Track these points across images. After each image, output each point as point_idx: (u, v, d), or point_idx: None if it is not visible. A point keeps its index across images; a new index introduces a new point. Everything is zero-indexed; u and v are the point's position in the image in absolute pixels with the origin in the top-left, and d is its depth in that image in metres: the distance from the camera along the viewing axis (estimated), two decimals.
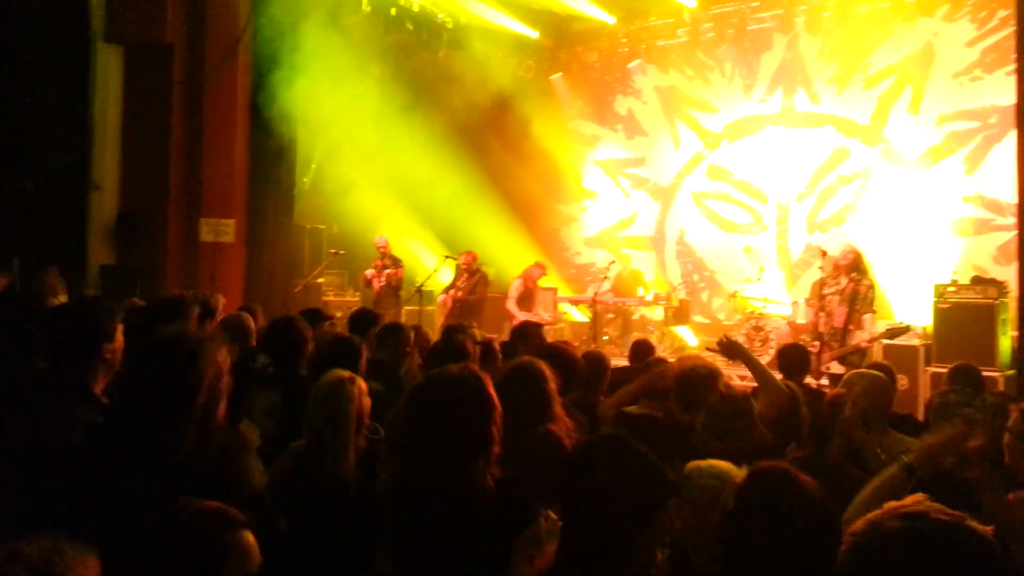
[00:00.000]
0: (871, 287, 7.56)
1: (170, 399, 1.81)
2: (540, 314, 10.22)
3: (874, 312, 7.63)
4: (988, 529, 1.30)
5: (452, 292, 10.07)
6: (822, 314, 7.55)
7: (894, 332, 7.67)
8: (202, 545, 1.55)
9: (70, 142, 9.01)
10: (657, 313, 11.45)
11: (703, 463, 2.32)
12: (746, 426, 3.35)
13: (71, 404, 2.32)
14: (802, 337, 8.44)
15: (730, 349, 4.21)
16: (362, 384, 2.88)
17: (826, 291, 7.63)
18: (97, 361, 2.46)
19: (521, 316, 9.95)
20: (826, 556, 1.53)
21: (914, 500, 1.34)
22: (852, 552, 1.32)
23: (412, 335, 4.93)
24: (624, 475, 1.76)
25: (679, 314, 11.30)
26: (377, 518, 2.26)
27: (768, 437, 3.26)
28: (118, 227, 8.98)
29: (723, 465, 2.30)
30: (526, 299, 10.29)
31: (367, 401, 2.87)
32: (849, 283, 7.48)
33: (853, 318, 7.39)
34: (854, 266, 7.52)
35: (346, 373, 2.89)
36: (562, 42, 13.71)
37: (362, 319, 5.24)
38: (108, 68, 9.15)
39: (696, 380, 3.61)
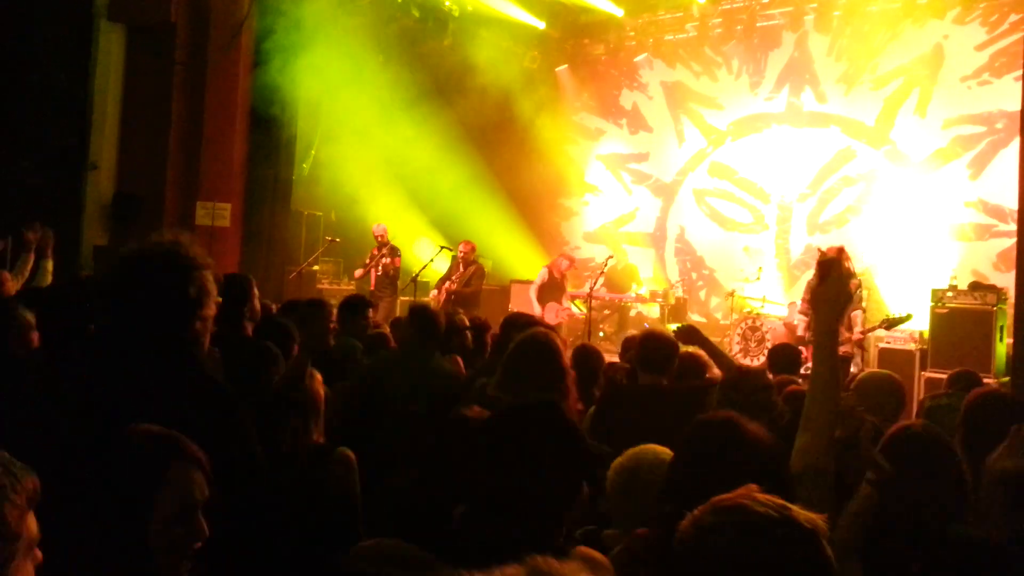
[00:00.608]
0: (859, 285, 7.47)
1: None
2: (566, 305, 10.17)
3: (863, 310, 7.57)
4: (814, 518, 1.23)
5: (447, 284, 10.03)
6: (803, 318, 7.51)
7: (892, 322, 7.61)
8: (139, 470, 1.56)
9: (69, 121, 8.97)
10: (654, 310, 11.40)
11: (644, 452, 2.29)
12: (767, 401, 3.39)
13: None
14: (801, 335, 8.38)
15: (686, 334, 4.33)
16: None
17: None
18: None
19: (537, 308, 9.92)
20: None
21: (739, 493, 1.26)
22: (677, 551, 1.25)
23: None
24: (550, 448, 1.72)
25: (676, 312, 11.26)
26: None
27: (787, 413, 3.25)
28: (114, 208, 8.96)
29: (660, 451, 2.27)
30: (551, 289, 10.22)
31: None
32: None
33: (843, 319, 7.29)
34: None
35: None
36: (569, 34, 13.62)
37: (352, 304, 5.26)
38: (110, 48, 9.10)
39: (656, 342, 4.10)
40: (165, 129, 9.24)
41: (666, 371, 4.06)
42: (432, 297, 10.02)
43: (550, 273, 10.26)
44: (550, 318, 9.55)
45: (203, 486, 1.60)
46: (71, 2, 8.90)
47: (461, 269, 10.05)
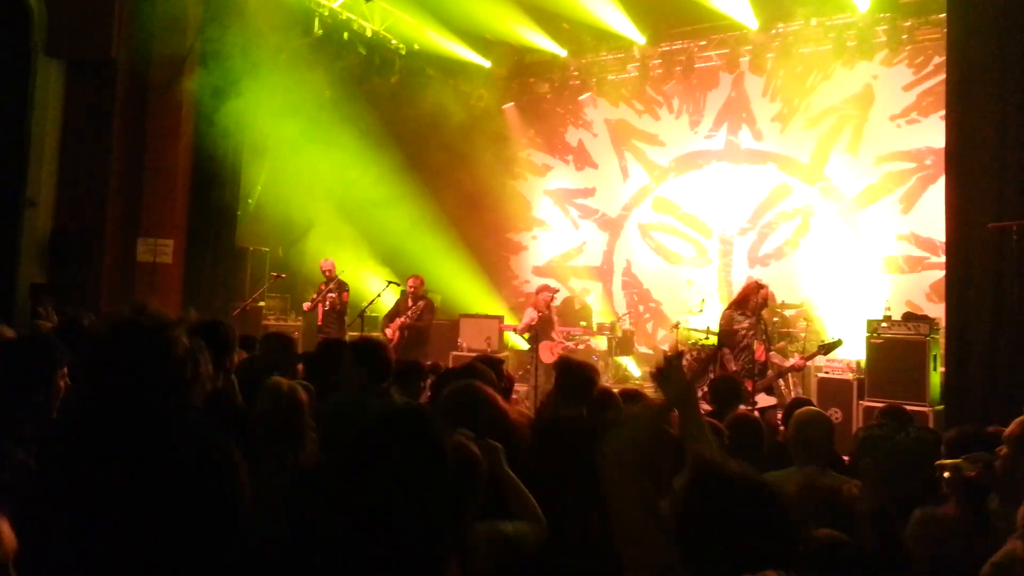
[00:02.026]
0: (774, 318, 7.75)
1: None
2: (557, 340, 9.84)
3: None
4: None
5: (401, 319, 9.96)
6: (729, 352, 7.49)
7: (827, 348, 7.81)
8: None
9: (6, 157, 8.77)
10: (602, 343, 11.51)
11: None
12: (756, 444, 3.43)
13: None
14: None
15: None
16: None
17: (736, 326, 7.58)
18: None
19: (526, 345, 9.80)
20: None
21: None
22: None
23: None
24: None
25: (623, 344, 11.39)
26: None
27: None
28: (51, 245, 8.74)
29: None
30: (542, 326, 9.69)
31: None
32: (754, 318, 7.56)
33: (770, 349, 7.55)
34: (765, 302, 7.70)
35: None
36: (514, 73, 13.85)
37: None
38: (48, 82, 8.94)
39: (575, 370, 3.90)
40: (105, 165, 9.08)
41: (585, 401, 3.89)
42: (384, 333, 9.91)
43: (538, 310, 9.77)
44: (546, 357, 9.34)
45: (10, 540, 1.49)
46: (8, 37, 8.74)
47: (411, 304, 10.01)
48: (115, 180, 9.12)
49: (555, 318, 10.10)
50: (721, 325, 7.73)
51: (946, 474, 2.78)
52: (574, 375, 3.94)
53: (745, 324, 7.50)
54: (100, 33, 9.11)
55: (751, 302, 7.61)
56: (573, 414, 3.75)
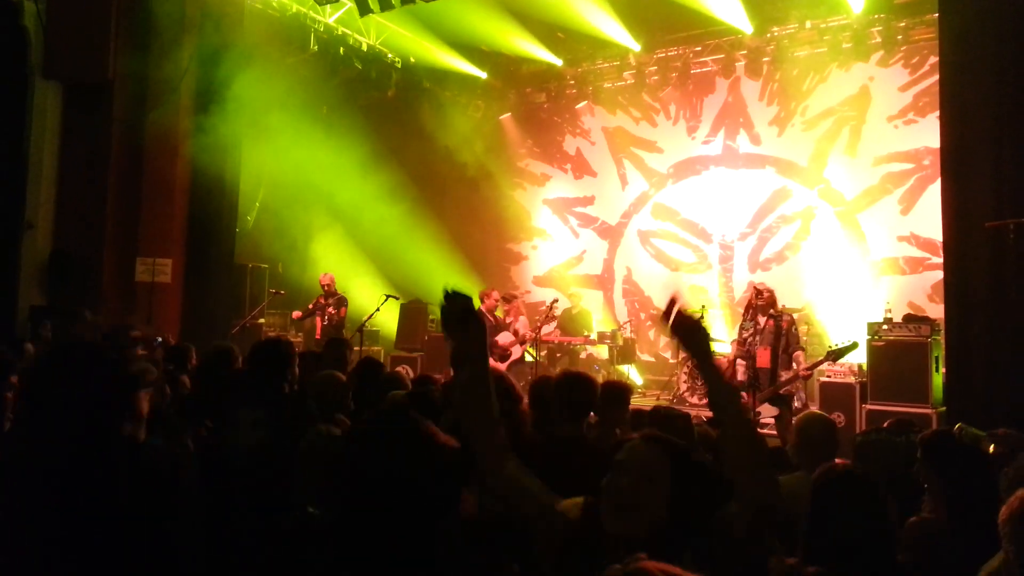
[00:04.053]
0: (793, 322, 7.44)
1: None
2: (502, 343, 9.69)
3: (803, 349, 7.43)
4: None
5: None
6: (742, 361, 7.22)
7: (837, 354, 7.25)
8: None
9: (4, 179, 8.82)
10: (603, 352, 11.48)
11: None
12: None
13: None
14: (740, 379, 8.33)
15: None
16: None
17: (744, 334, 7.34)
18: None
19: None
20: None
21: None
22: None
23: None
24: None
25: (625, 352, 11.34)
26: None
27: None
28: (50, 266, 8.77)
29: None
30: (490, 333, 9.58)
31: None
32: (768, 320, 7.20)
33: (781, 358, 7.13)
34: (770, 303, 7.28)
35: None
36: (511, 83, 13.88)
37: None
38: (46, 105, 9.01)
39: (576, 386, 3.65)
40: (103, 186, 9.12)
41: (583, 420, 3.67)
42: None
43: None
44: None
45: None
46: (5, 59, 8.80)
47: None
48: (113, 200, 9.15)
49: (508, 323, 9.89)
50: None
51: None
52: (574, 390, 3.62)
53: (750, 331, 7.27)
54: (97, 55, 9.16)
55: (752, 306, 7.44)
56: (569, 433, 3.54)
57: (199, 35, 9.54)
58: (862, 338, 8.30)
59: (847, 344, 7.42)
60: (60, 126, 9.13)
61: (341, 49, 11.84)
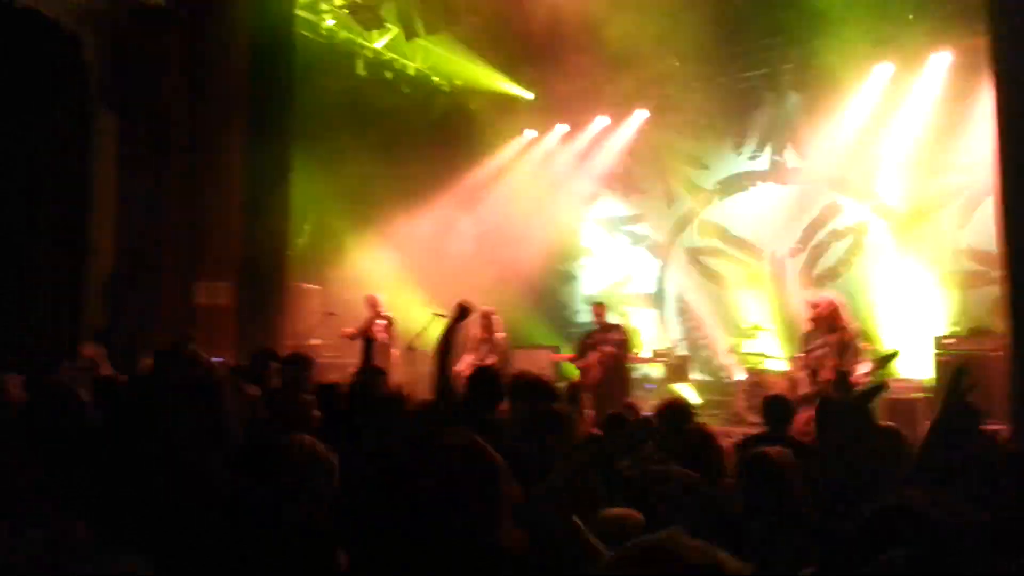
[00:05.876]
0: (855, 336, 7.32)
1: None
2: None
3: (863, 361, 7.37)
4: (739, 567, 1.22)
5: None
6: (804, 372, 7.19)
7: (882, 361, 7.25)
8: None
9: (67, 206, 9.12)
10: (657, 371, 11.39)
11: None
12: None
13: None
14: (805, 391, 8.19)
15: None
16: None
17: (811, 347, 7.24)
18: None
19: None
20: None
21: (666, 535, 1.26)
22: None
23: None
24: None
25: (678, 371, 11.24)
26: None
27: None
28: (113, 290, 9.02)
29: None
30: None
31: None
32: (835, 334, 7.06)
33: (845, 371, 6.87)
34: (833, 317, 7.13)
35: None
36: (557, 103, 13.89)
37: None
38: (105, 131, 9.31)
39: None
40: (162, 210, 9.36)
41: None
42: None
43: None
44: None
45: None
46: (67, 88, 9.12)
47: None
48: (171, 225, 9.39)
49: (467, 342, 9.59)
50: None
51: None
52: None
53: (819, 342, 7.13)
54: (154, 82, 9.47)
55: (815, 321, 7.31)
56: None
57: (250, 60, 9.77)
58: (924, 354, 8.15)
59: (888, 352, 7.35)
60: (119, 151, 9.40)
61: (389, 74, 12.03)
